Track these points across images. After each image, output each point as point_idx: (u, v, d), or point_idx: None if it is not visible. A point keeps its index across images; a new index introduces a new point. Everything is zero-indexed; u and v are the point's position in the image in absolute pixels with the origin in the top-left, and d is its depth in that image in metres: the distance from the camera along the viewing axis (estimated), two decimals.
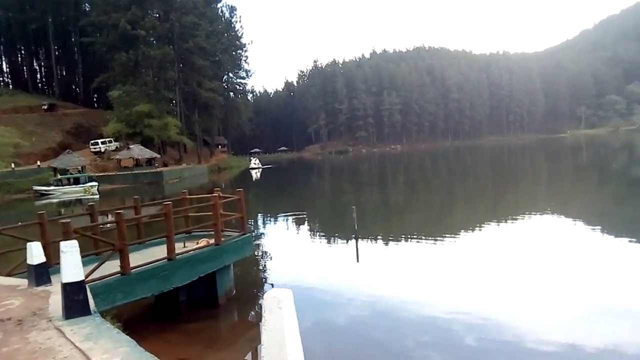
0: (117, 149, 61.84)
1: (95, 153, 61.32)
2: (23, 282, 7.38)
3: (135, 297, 8.23)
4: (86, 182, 45.48)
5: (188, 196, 11.96)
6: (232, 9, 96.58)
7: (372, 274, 12.02)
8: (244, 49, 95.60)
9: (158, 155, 61.51)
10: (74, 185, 45.16)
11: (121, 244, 8.01)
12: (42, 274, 6.99)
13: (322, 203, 30.80)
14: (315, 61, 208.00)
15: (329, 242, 16.97)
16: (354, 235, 15.20)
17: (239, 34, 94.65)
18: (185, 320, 9.61)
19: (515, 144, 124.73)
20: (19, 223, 10.58)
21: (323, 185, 47.16)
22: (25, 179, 46.51)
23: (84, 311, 5.24)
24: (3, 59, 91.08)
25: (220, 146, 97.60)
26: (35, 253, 6.93)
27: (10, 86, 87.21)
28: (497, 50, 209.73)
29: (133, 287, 8.16)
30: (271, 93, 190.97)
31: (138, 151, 57.31)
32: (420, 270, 12.01)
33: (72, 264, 5.23)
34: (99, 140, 62.51)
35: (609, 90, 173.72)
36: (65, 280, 5.17)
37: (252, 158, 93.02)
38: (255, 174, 65.97)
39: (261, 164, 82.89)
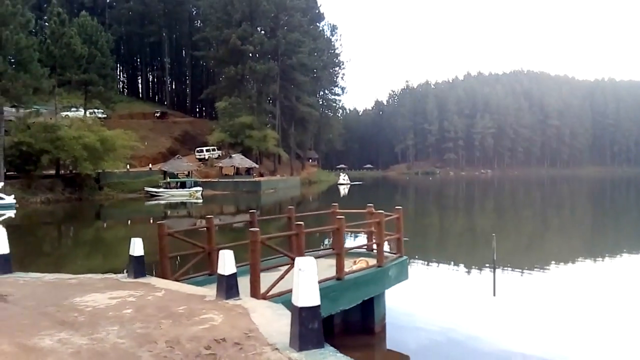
0: (219, 157, 64.71)
1: (200, 160, 64.43)
2: (206, 292, 7.04)
3: None
4: (192, 187, 47.86)
5: (338, 210, 11.38)
6: (334, 28, 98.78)
7: (510, 310, 10.95)
8: (342, 66, 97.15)
9: (256, 165, 63.56)
10: (181, 189, 47.67)
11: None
12: (232, 286, 6.61)
13: (428, 227, 29.04)
14: (406, 81, 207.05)
15: (450, 269, 16.10)
16: (491, 266, 13.85)
17: (338, 52, 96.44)
18: (340, 345, 8.86)
19: (620, 177, 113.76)
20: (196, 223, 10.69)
21: (421, 207, 44.96)
22: (137, 179, 49.85)
23: (319, 342, 4.62)
24: (122, 68, 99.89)
25: (311, 160, 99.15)
26: (227, 262, 6.59)
27: (126, 93, 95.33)
28: (603, 77, 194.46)
29: None
30: (360, 111, 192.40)
31: (239, 160, 59.53)
32: (562, 308, 10.82)
33: (310, 285, 4.68)
34: (204, 148, 65.78)
35: None
36: (301, 304, 4.60)
37: (341, 173, 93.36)
38: (344, 190, 65.74)
39: (349, 180, 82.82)
